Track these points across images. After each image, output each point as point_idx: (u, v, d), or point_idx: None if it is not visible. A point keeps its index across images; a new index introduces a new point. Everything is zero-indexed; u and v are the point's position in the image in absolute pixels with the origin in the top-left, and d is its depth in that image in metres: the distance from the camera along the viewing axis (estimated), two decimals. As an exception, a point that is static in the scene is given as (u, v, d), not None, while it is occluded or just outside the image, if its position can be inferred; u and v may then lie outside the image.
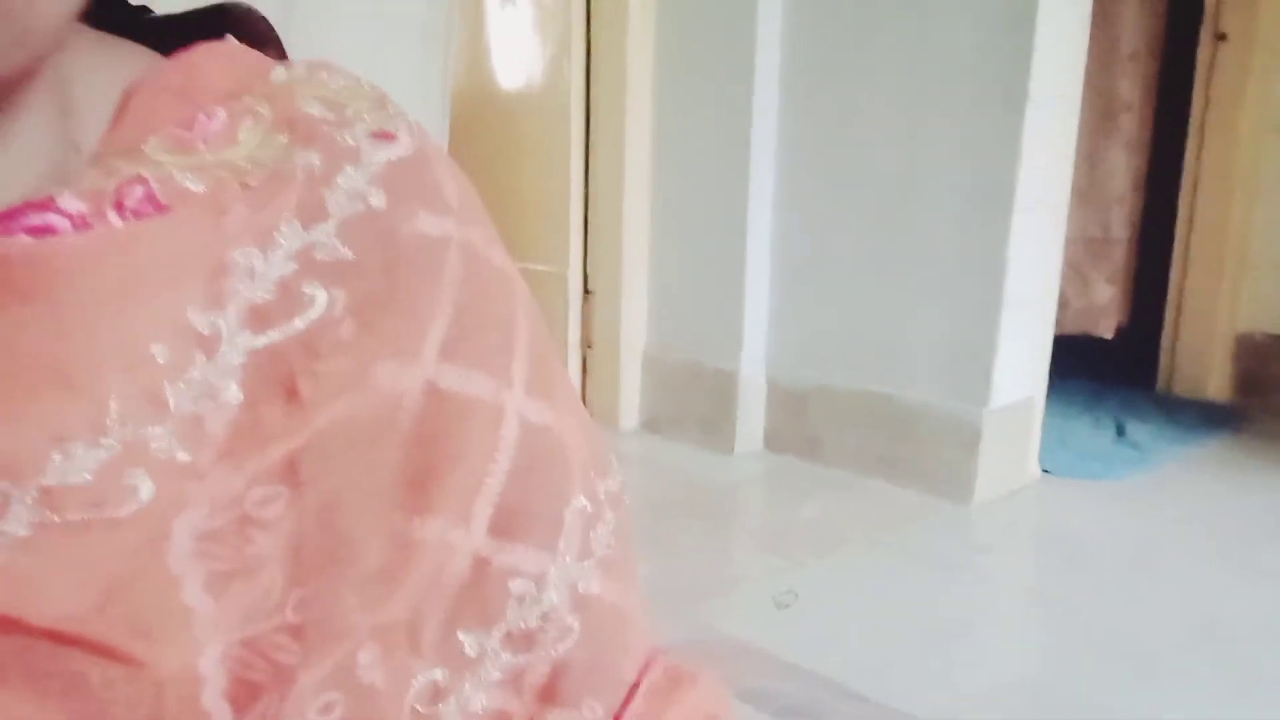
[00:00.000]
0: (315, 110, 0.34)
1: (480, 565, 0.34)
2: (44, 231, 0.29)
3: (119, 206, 0.30)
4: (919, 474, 2.08)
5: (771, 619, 1.52)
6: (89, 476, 0.28)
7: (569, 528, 0.36)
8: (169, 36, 0.69)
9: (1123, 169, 2.97)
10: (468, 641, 0.34)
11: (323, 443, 0.31)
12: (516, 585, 0.35)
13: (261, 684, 0.29)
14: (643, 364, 2.48)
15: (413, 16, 1.78)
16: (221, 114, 0.33)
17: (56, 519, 0.27)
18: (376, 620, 0.32)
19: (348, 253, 0.32)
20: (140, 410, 0.28)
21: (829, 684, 1.32)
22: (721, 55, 2.25)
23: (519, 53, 2.56)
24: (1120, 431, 2.51)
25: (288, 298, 0.31)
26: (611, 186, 2.42)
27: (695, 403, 2.38)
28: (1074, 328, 2.95)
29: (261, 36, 0.67)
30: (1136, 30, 2.89)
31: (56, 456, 0.28)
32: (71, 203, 0.29)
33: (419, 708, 0.33)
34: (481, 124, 2.60)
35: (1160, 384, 2.93)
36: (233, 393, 0.30)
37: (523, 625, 0.35)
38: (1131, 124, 2.96)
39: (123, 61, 0.35)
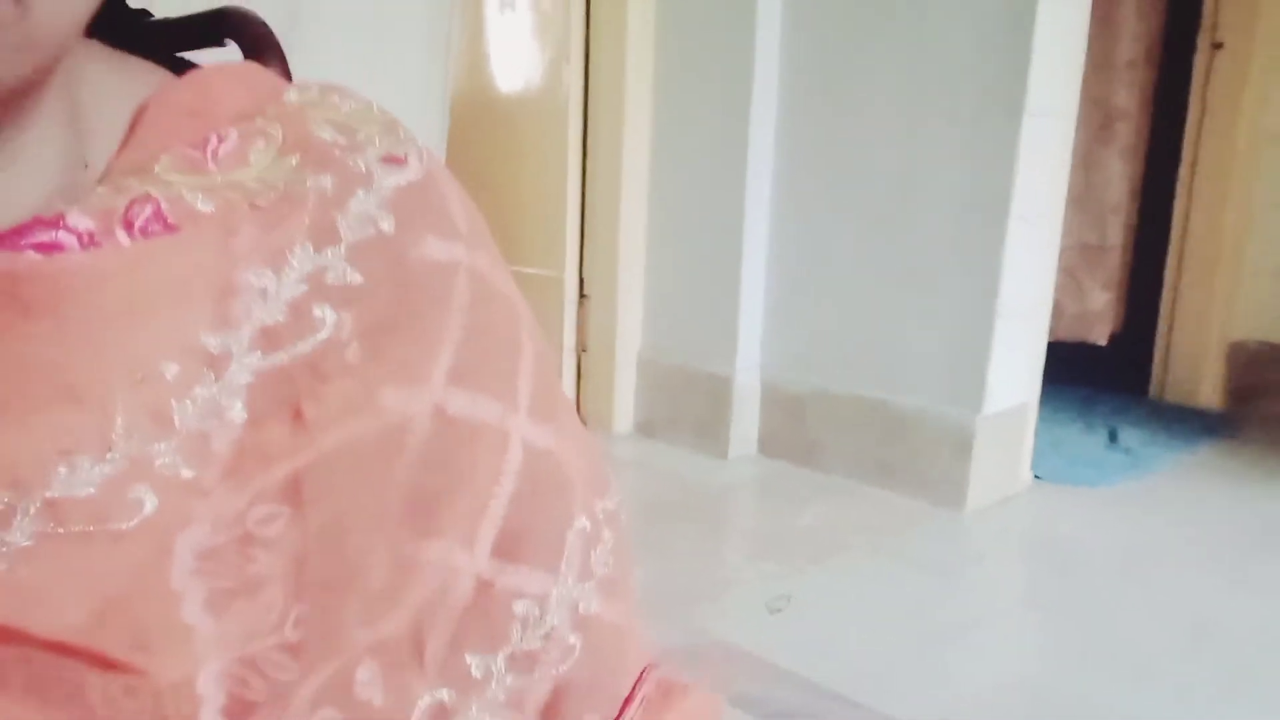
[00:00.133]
0: (327, 134, 0.34)
1: (484, 587, 0.34)
2: (51, 248, 0.29)
3: (128, 225, 0.30)
4: (913, 479, 2.08)
5: (765, 624, 1.52)
6: (93, 490, 0.28)
7: (570, 549, 0.37)
8: (170, 40, 0.69)
9: (1119, 177, 2.98)
10: (474, 663, 0.34)
11: (327, 463, 0.31)
12: (520, 607, 0.35)
13: (259, 702, 0.29)
14: (638, 368, 2.49)
15: (415, 21, 1.78)
16: (233, 135, 0.33)
17: (60, 530, 0.27)
18: (376, 637, 0.32)
19: (357, 276, 0.33)
20: (146, 426, 0.29)
21: (822, 689, 1.33)
22: (720, 62, 2.26)
23: (518, 57, 2.56)
24: (1113, 438, 2.52)
25: (298, 319, 0.32)
26: (608, 191, 2.42)
27: (690, 407, 2.39)
28: (1069, 334, 2.96)
29: (261, 41, 0.67)
30: (1134, 38, 2.90)
31: (62, 469, 0.28)
32: (80, 220, 0.29)
33: None
34: (480, 128, 2.60)
35: (1153, 391, 2.94)
36: (238, 412, 0.30)
37: (526, 647, 0.35)
38: (1128, 132, 2.97)
39: (135, 79, 0.35)
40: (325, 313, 0.32)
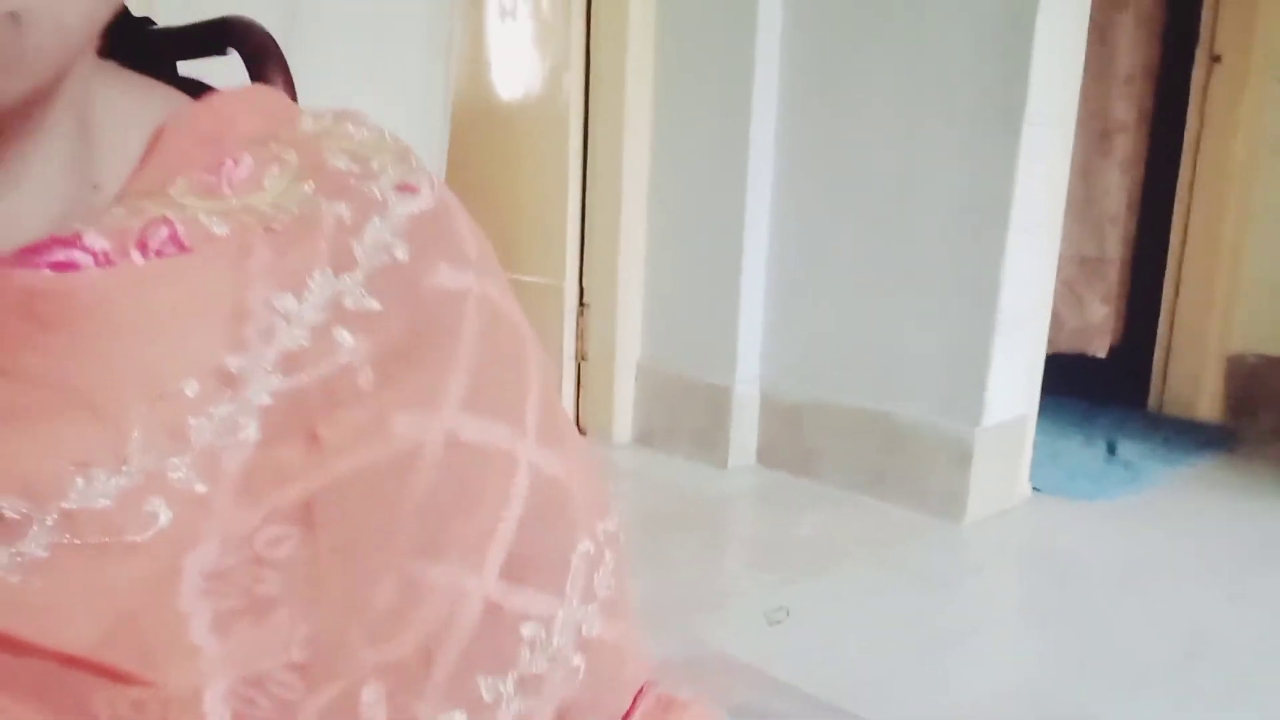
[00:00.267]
0: (341, 162, 0.35)
1: (493, 610, 0.34)
2: (67, 267, 0.29)
3: (142, 246, 0.30)
4: (911, 491, 2.08)
5: (763, 635, 1.52)
6: (109, 502, 0.28)
7: (575, 572, 0.37)
8: (173, 48, 0.69)
9: (1117, 189, 2.99)
10: (485, 686, 0.34)
11: (340, 488, 0.31)
12: (528, 630, 0.35)
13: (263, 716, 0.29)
14: (637, 377, 2.49)
15: (415, 24, 1.78)
16: (248, 160, 0.34)
17: (76, 542, 0.28)
18: (383, 659, 0.32)
19: (375, 303, 0.33)
20: (161, 441, 0.29)
21: (820, 700, 1.32)
22: (720, 71, 2.26)
23: (518, 65, 2.57)
24: (1111, 450, 2.52)
25: (320, 344, 0.32)
26: (608, 199, 2.42)
27: (689, 416, 2.39)
28: (1068, 346, 2.96)
29: (263, 49, 0.67)
30: (1133, 51, 2.91)
31: (79, 480, 0.28)
32: (96, 240, 0.30)
33: None
34: (480, 135, 2.61)
35: (1152, 403, 2.94)
36: (252, 431, 0.30)
37: (534, 669, 0.36)
38: (1127, 144, 2.97)
39: (150, 102, 0.35)
40: (344, 337, 0.32)
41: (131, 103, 0.35)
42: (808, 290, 2.26)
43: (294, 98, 0.64)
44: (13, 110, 0.28)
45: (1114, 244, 3.02)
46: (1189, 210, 2.85)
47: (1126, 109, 2.93)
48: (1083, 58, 2.05)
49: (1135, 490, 2.26)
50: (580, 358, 2.54)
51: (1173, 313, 2.90)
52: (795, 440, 2.28)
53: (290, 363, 0.32)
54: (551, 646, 0.36)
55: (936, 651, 1.50)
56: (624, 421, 2.49)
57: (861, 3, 2.11)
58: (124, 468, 0.29)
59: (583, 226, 2.49)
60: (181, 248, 0.31)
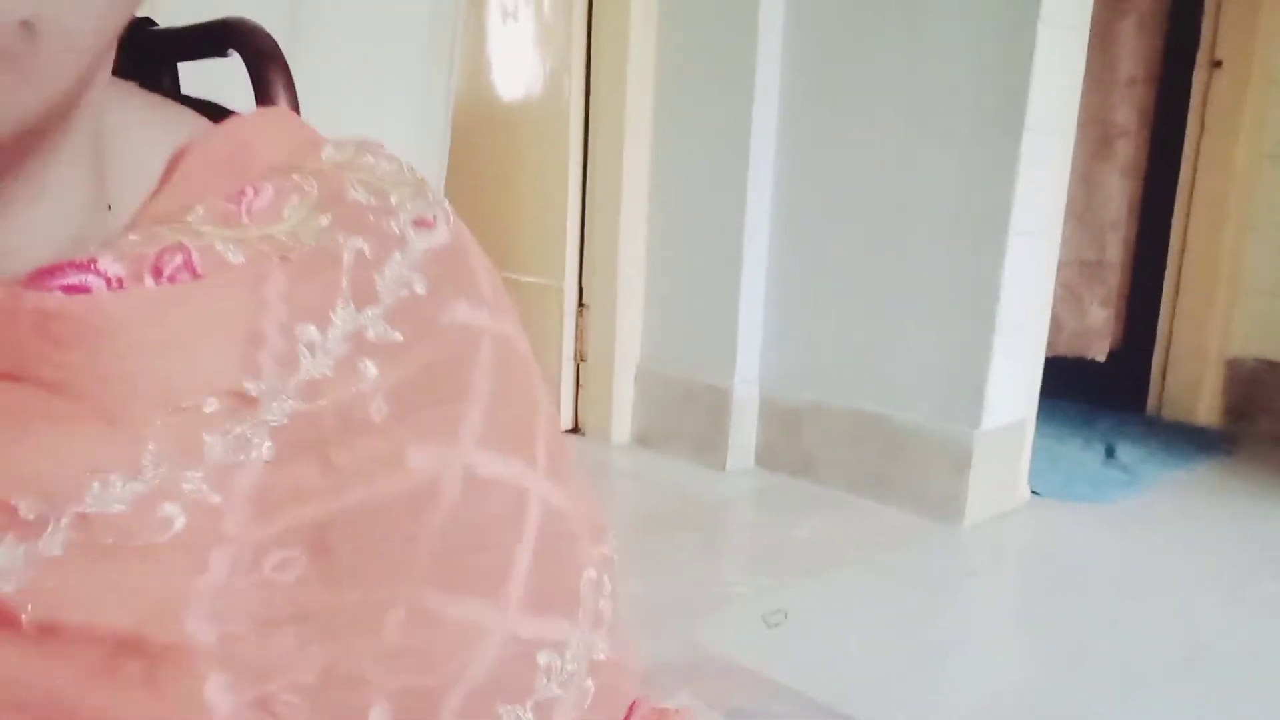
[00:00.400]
0: (360, 196, 0.35)
1: (512, 640, 0.35)
2: (80, 291, 0.29)
3: (156, 272, 0.31)
4: (911, 494, 2.08)
5: (761, 638, 1.52)
6: (125, 507, 0.28)
7: (584, 599, 0.39)
8: (173, 49, 0.69)
9: (1118, 194, 2.99)
10: (505, 713, 0.35)
11: (354, 515, 0.32)
12: (544, 658, 0.36)
13: None
14: (636, 378, 2.49)
15: (417, 29, 1.78)
16: (268, 189, 0.34)
17: (91, 542, 0.28)
18: (393, 685, 0.32)
19: (397, 335, 0.34)
20: (176, 455, 0.29)
21: (818, 704, 1.32)
22: (721, 74, 2.27)
23: (520, 66, 2.57)
24: (1110, 454, 2.52)
25: (342, 374, 0.33)
26: (609, 201, 2.42)
27: (688, 418, 2.39)
28: (1067, 350, 2.97)
29: (265, 52, 0.67)
30: (1134, 57, 2.91)
31: (95, 485, 0.29)
32: (111, 265, 0.30)
33: None
34: (481, 136, 2.61)
35: (1151, 407, 2.95)
36: (265, 450, 0.31)
37: (550, 695, 0.37)
38: (1127, 149, 2.98)
39: (168, 124, 0.36)
40: (368, 368, 0.33)
41: (149, 124, 0.35)
42: (808, 293, 2.26)
43: (295, 100, 0.64)
44: (32, 126, 0.28)
45: (1114, 248, 3.03)
46: (1189, 214, 2.85)
47: (1127, 114, 2.94)
48: (1084, 63, 2.06)
49: (1134, 494, 2.26)
50: (580, 359, 2.54)
51: (1172, 317, 2.90)
52: (794, 443, 2.28)
53: (311, 390, 0.32)
54: (565, 673, 0.37)
55: (934, 655, 1.50)
56: (623, 423, 2.49)
57: (863, 6, 2.11)
58: (139, 475, 0.29)
59: (583, 227, 2.49)
60: (195, 275, 0.31)
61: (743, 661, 1.43)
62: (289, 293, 0.32)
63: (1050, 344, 2.23)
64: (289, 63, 0.65)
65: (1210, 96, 2.78)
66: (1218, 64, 2.76)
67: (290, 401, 0.31)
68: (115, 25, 0.29)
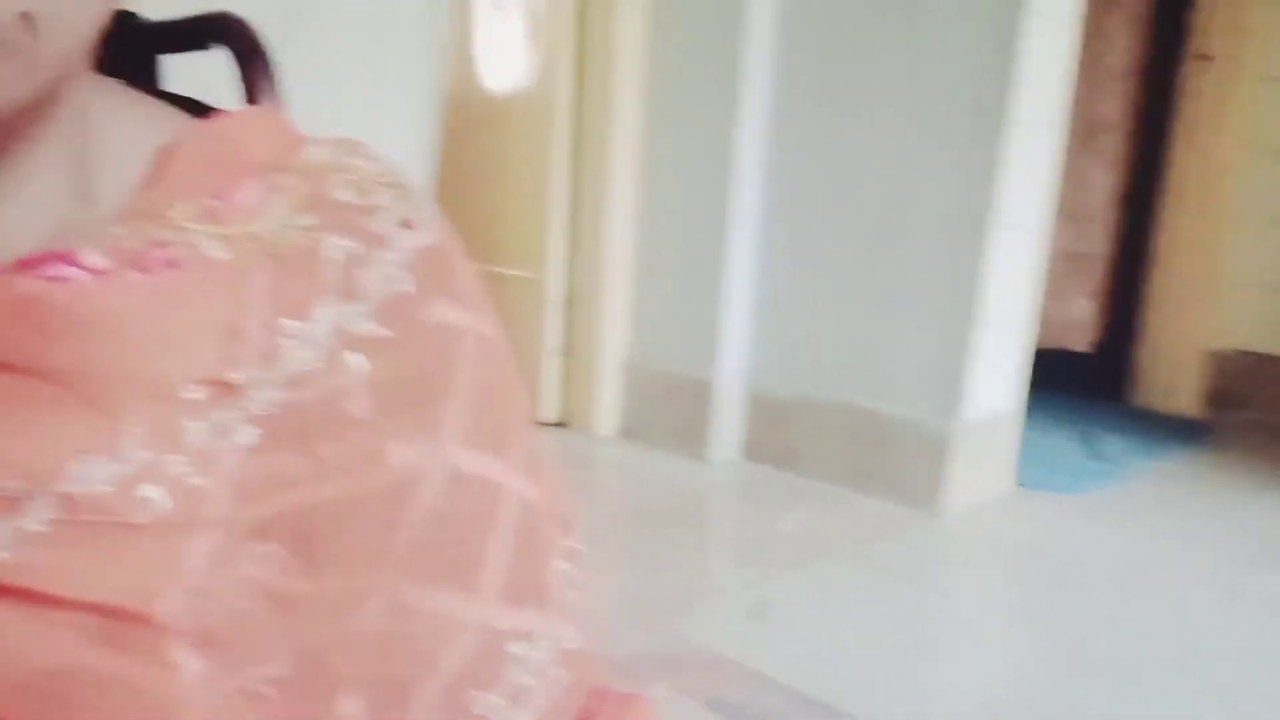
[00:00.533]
0: (345, 196, 0.36)
1: (486, 632, 0.36)
2: (61, 281, 0.30)
3: (141, 267, 0.31)
4: (896, 486, 2.09)
5: (745, 630, 1.53)
6: (108, 487, 0.29)
7: (554, 591, 0.40)
8: (156, 42, 0.69)
9: (1103, 186, 3.01)
10: (477, 701, 0.36)
11: (335, 507, 0.33)
12: (516, 648, 0.37)
13: None
14: (622, 371, 2.49)
15: (409, 25, 1.78)
16: (254, 188, 0.35)
17: (75, 519, 0.29)
18: (366, 675, 0.33)
19: (383, 330, 0.34)
20: (158, 440, 0.30)
21: (800, 695, 1.33)
22: (711, 67, 2.26)
23: (508, 59, 2.56)
24: (1093, 445, 2.54)
25: (327, 366, 0.33)
26: (596, 195, 2.42)
27: (674, 411, 2.39)
28: (1052, 342, 2.98)
29: (249, 47, 0.67)
30: (1121, 50, 2.92)
31: (77, 466, 0.30)
32: (95, 259, 0.30)
33: None
34: (469, 129, 2.60)
35: (1133, 398, 2.97)
36: (248, 437, 0.31)
37: (521, 682, 0.38)
38: (1113, 142, 2.99)
39: (151, 120, 0.36)
40: (353, 361, 0.34)
41: (133, 120, 0.36)
42: (794, 287, 2.27)
43: (280, 95, 0.64)
44: (20, 114, 0.29)
45: (1098, 240, 3.05)
46: (1173, 208, 2.87)
47: (1113, 107, 2.95)
48: (1073, 60, 2.06)
49: (1115, 484, 2.28)
50: (566, 352, 2.54)
51: (1155, 308, 2.92)
52: (779, 435, 2.29)
53: (296, 381, 0.33)
54: (537, 661, 0.38)
55: (916, 645, 1.51)
56: (609, 416, 2.50)
57: (852, 1, 2.11)
58: (121, 457, 0.30)
59: (570, 221, 2.49)
60: (178, 269, 0.32)
61: (727, 653, 1.44)
62: (272, 289, 0.33)
63: (1035, 336, 2.25)
64: (280, 58, 0.65)
65: (1197, 91, 2.80)
66: (1205, 58, 2.77)
67: (274, 392, 0.32)
68: (104, 16, 0.30)
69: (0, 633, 0.28)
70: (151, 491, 0.30)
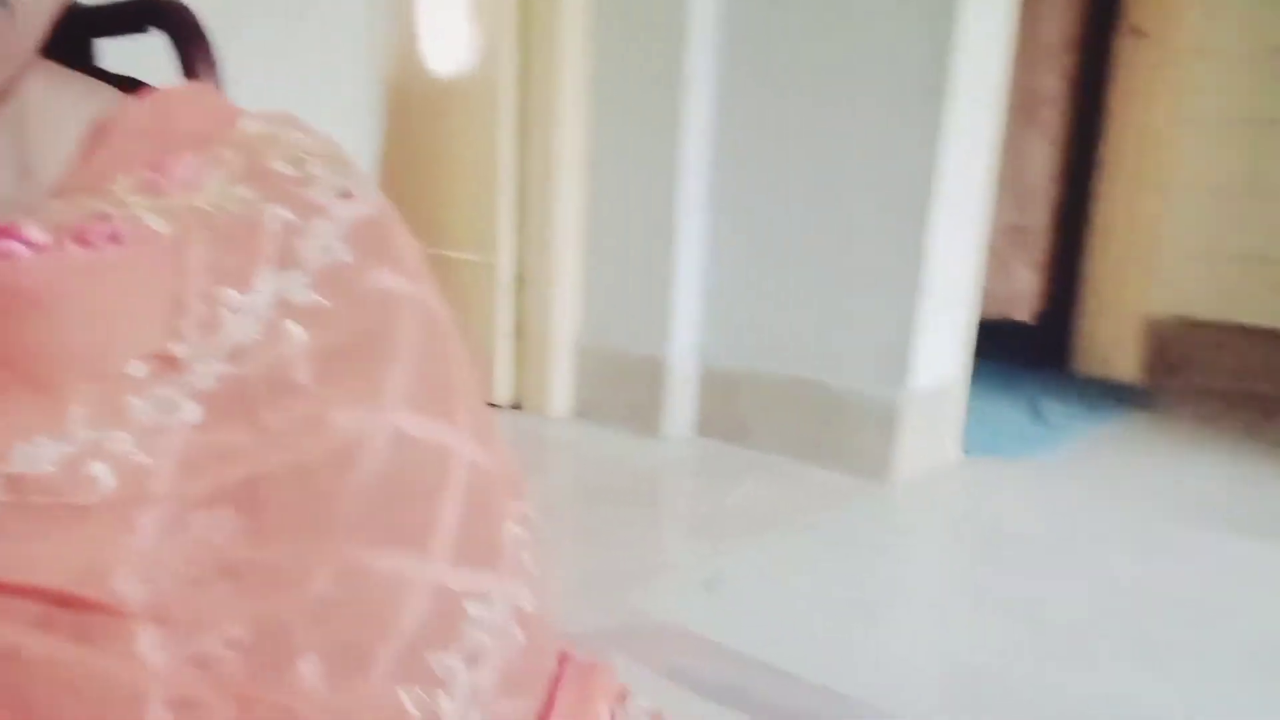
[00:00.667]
0: (281, 167, 0.36)
1: (442, 592, 0.37)
2: (4, 257, 0.30)
3: (82, 240, 0.31)
4: (845, 457, 2.13)
5: (700, 601, 1.55)
6: (53, 467, 0.29)
7: (508, 553, 0.40)
8: (94, 26, 0.69)
9: (1043, 159, 3.06)
10: (436, 662, 0.37)
11: (282, 475, 0.33)
12: (473, 609, 0.38)
13: (201, 698, 0.31)
14: (574, 352, 2.50)
15: (350, 5, 1.76)
16: (191, 161, 0.35)
17: (22, 501, 0.29)
18: (323, 638, 0.34)
19: (322, 299, 0.35)
20: (103, 417, 0.30)
21: (757, 663, 1.36)
22: (655, 47, 2.27)
23: (451, 39, 2.54)
24: (1036, 412, 2.61)
25: (268, 336, 0.34)
26: (544, 176, 2.42)
27: (626, 389, 2.41)
28: (996, 312, 3.04)
29: (187, 29, 0.67)
30: (1058, 25, 2.97)
31: (22, 447, 0.30)
32: (36, 233, 0.31)
33: None
34: (412, 111, 2.58)
35: (1075, 366, 3.04)
36: (192, 413, 0.32)
37: (479, 643, 0.38)
38: (1052, 115, 3.05)
39: (86, 96, 0.36)
40: (293, 330, 0.34)
41: (68, 96, 0.36)
42: (742, 262, 2.29)
43: (221, 78, 0.64)
44: None
45: (1040, 212, 3.11)
46: (1110, 179, 2.94)
47: (1052, 81, 3.01)
48: (1011, 33, 2.10)
49: (1058, 450, 2.34)
50: (517, 334, 2.54)
51: (1094, 278, 2.99)
52: (731, 410, 2.31)
53: (238, 353, 0.33)
54: (494, 622, 0.39)
55: (870, 612, 1.55)
56: (562, 396, 2.51)
57: (791, -24, 2.13)
58: (66, 437, 0.30)
59: (518, 202, 2.48)
60: (120, 243, 0.32)
61: (683, 625, 1.46)
62: (211, 260, 0.33)
63: (979, 307, 2.29)
64: (221, 41, 0.65)
65: (1131, 65, 2.86)
66: (1138, 32, 2.83)
67: (217, 365, 0.32)
68: (65, 3, 0.30)
69: None
70: (97, 470, 0.30)
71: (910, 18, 1.97)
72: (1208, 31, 2.77)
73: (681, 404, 2.36)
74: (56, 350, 0.31)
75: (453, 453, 0.38)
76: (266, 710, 0.32)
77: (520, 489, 0.43)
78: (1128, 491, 2.11)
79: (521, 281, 2.52)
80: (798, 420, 2.21)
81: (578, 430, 2.43)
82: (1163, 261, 2.92)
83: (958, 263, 2.12)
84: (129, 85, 0.42)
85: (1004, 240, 3.03)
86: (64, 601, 0.29)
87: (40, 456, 0.30)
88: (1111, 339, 2.97)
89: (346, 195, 0.38)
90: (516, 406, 2.53)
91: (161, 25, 0.64)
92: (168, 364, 0.32)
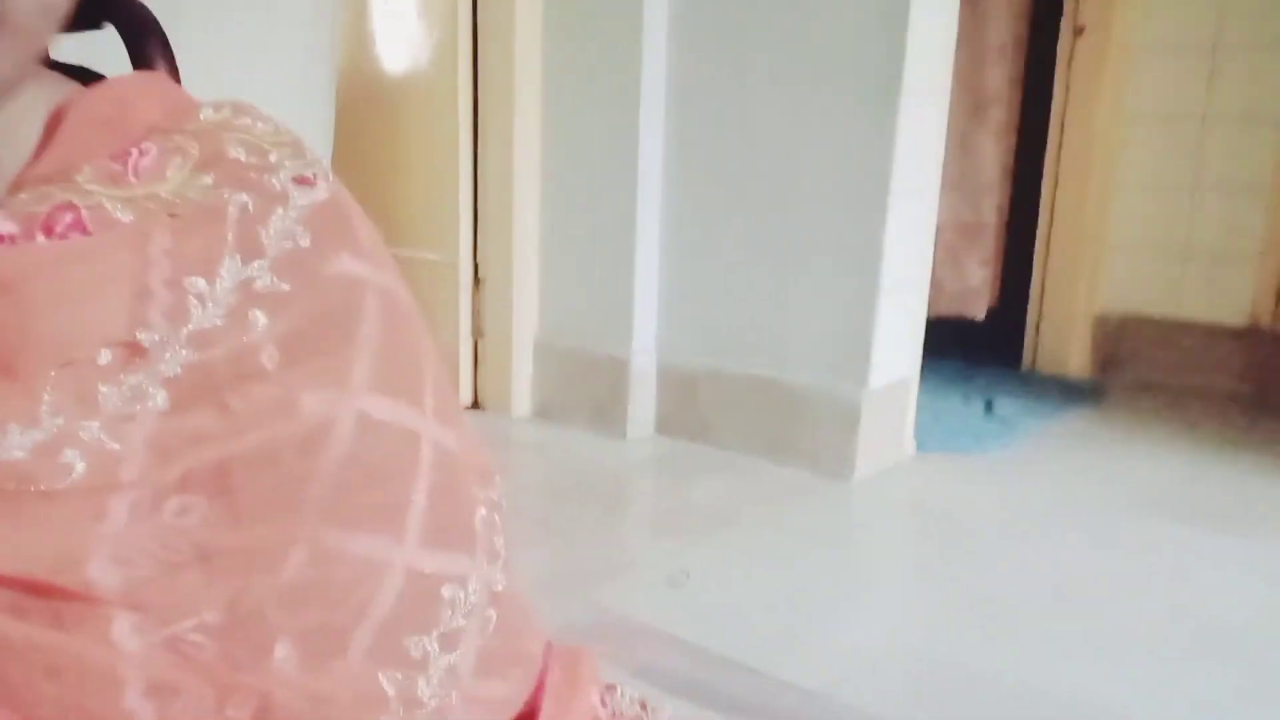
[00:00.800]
0: (240, 154, 0.36)
1: (415, 576, 0.37)
2: None
3: (48, 230, 0.31)
4: (803, 453, 2.15)
5: (664, 598, 1.56)
6: (24, 454, 0.29)
7: (479, 536, 0.41)
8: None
9: (992, 157, 3.11)
10: (412, 645, 0.37)
11: (252, 459, 0.33)
12: (447, 591, 0.38)
13: (178, 684, 0.31)
14: (534, 351, 2.49)
15: (299, 4, 1.74)
16: (153, 150, 0.35)
17: None
18: (296, 622, 0.33)
19: (284, 285, 0.35)
20: (72, 406, 0.30)
21: (721, 658, 1.37)
22: (609, 44, 2.27)
23: (405, 38, 2.52)
24: (989, 408, 2.65)
25: (232, 323, 0.34)
26: (501, 174, 2.41)
27: (587, 389, 2.41)
28: (948, 310, 3.08)
29: (142, 24, 0.66)
30: (1003, 25, 3.02)
31: None
32: (2, 223, 0.30)
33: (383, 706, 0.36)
34: (367, 111, 2.56)
35: (1026, 362, 3.09)
36: (160, 400, 0.31)
37: (454, 625, 0.39)
38: (1000, 114, 3.10)
39: (44, 88, 0.36)
40: (257, 317, 0.34)
41: (28, 89, 0.36)
42: (700, 261, 2.30)
43: (176, 74, 0.63)
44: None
45: (989, 209, 3.15)
46: (1057, 176, 2.99)
47: (999, 79, 3.06)
48: (955, 32, 2.13)
49: (1011, 445, 2.38)
50: (477, 334, 2.53)
51: (1043, 275, 3.05)
52: (691, 409, 2.32)
53: (203, 339, 0.33)
54: (468, 604, 0.39)
55: (829, 606, 1.57)
56: (523, 396, 2.50)
57: (745, -24, 2.14)
58: (38, 424, 0.30)
59: (475, 202, 2.48)
60: (85, 232, 0.32)
61: (649, 621, 1.47)
62: (174, 248, 0.34)
63: (932, 304, 2.33)
64: (169, 36, 0.64)
65: (1074, 62, 2.91)
66: (1080, 31, 2.89)
67: (183, 351, 0.33)
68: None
69: None
70: (69, 456, 0.30)
71: (864, 16, 2.00)
72: (1148, 29, 2.84)
73: (642, 403, 2.36)
74: (26, 338, 0.30)
75: (419, 436, 0.38)
76: (243, 695, 0.32)
77: (489, 474, 0.44)
78: (1079, 485, 2.16)
79: (480, 281, 2.51)
80: (757, 418, 2.22)
81: (539, 430, 2.43)
82: (1109, 258, 2.98)
83: (912, 259, 2.15)
84: (86, 77, 0.42)
85: (956, 238, 3.08)
86: (38, 589, 0.29)
87: (11, 443, 0.29)
88: (1061, 335, 3.03)
89: (304, 181, 0.38)
90: (478, 407, 2.52)
91: (115, 20, 0.63)
92: (135, 352, 0.32)
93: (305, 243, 0.36)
